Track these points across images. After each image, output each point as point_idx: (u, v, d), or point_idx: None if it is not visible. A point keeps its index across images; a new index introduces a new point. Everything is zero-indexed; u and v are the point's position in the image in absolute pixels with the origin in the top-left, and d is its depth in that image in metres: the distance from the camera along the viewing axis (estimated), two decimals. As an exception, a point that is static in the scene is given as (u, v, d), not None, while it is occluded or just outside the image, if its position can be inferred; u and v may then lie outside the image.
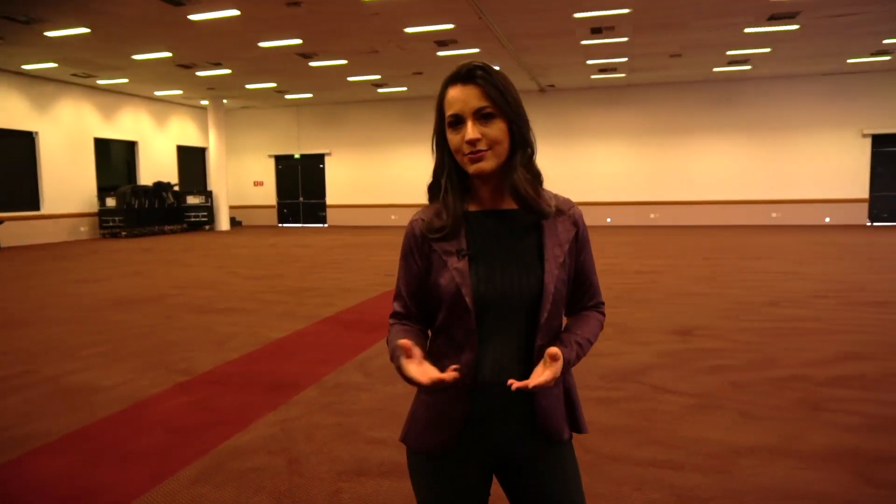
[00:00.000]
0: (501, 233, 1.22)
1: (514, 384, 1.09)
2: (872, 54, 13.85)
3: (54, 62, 13.21)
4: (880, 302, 6.21)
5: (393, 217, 19.85)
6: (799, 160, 16.72)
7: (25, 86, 14.48)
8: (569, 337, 1.23)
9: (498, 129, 1.17)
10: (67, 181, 15.57)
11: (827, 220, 16.67)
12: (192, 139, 20.29)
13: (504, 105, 1.16)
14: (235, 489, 2.61)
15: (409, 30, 11.09)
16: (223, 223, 18.85)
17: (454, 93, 1.18)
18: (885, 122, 16.10)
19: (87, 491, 2.62)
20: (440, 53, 12.94)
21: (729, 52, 13.51)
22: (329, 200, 20.65)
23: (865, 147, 16.37)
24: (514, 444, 1.23)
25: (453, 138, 1.19)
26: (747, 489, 2.52)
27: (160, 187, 17.63)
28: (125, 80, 15.40)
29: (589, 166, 17.84)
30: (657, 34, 11.78)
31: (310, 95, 18.55)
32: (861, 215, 16.54)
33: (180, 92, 17.39)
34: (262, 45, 11.93)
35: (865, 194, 16.51)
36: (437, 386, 1.07)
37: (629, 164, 17.79)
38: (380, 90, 17.60)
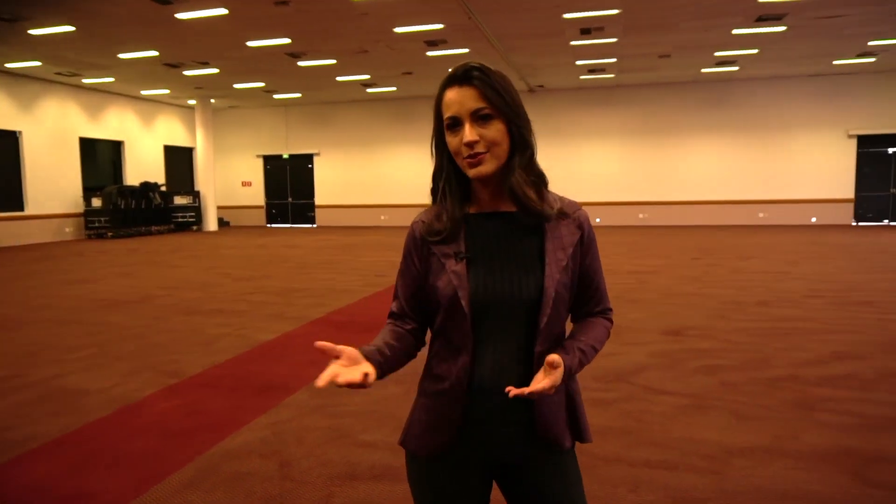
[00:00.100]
0: (501, 235, 1.20)
1: (512, 391, 1.06)
2: (858, 56, 14.00)
3: (38, 61, 13.03)
4: (869, 301, 6.26)
5: (383, 217, 19.80)
6: (786, 160, 16.87)
7: (9, 85, 14.29)
8: (572, 343, 1.20)
9: (496, 131, 1.14)
10: (52, 181, 15.38)
11: (813, 220, 16.83)
12: (180, 139, 20.12)
13: (502, 106, 1.14)
14: (226, 494, 2.56)
15: (398, 29, 11.05)
16: (211, 224, 18.71)
17: (451, 95, 1.16)
18: (871, 123, 16.28)
19: (75, 496, 2.57)
20: (430, 53, 12.92)
21: (717, 53, 13.59)
22: (318, 201, 20.55)
23: (851, 148, 16.55)
24: (514, 449, 1.21)
25: (452, 141, 1.17)
26: (742, 490, 2.51)
27: (147, 187, 17.46)
28: (111, 80, 15.23)
29: (578, 167, 17.88)
30: (646, 35, 11.82)
31: (298, 95, 18.45)
32: (847, 215, 16.72)
33: (167, 91, 17.24)
34: (251, 44, 11.84)
35: (851, 194, 16.68)
36: (340, 385, 1.04)
37: (618, 164, 17.86)
38: (369, 90, 17.54)
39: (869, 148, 16.54)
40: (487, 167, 1.15)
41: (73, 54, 12.49)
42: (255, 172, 21.02)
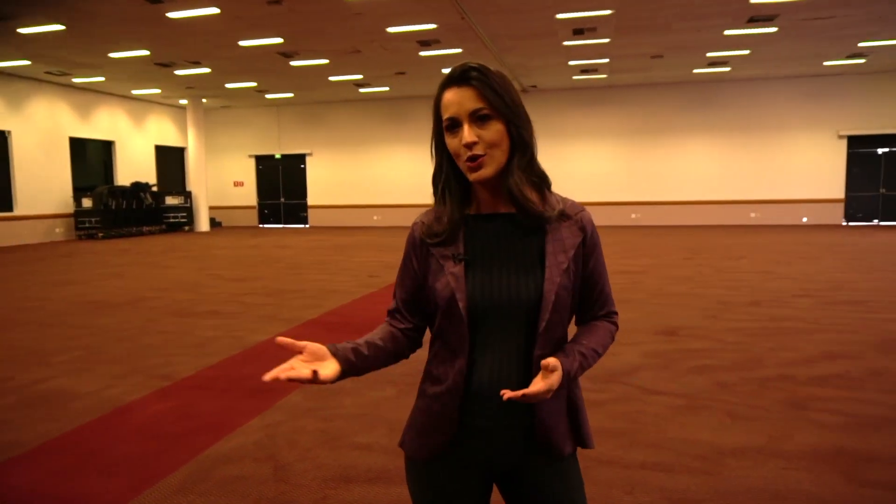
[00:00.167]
0: (501, 237, 1.19)
1: (506, 394, 1.05)
2: (848, 57, 14.10)
3: (28, 60, 12.92)
4: (858, 301, 6.30)
5: (375, 218, 19.77)
6: (777, 161, 16.97)
7: (-2, 84, 14.18)
8: (572, 347, 1.19)
9: (495, 131, 1.13)
10: (42, 181, 15.25)
11: (804, 219, 16.94)
12: (171, 139, 20.01)
13: (501, 106, 1.12)
14: (220, 498, 2.54)
15: (391, 29, 11.03)
16: (203, 224, 18.62)
17: (449, 96, 1.15)
18: (860, 124, 16.41)
19: (65, 502, 2.54)
20: (423, 53, 12.90)
21: (709, 54, 13.66)
22: (310, 201, 20.49)
23: (841, 148, 16.67)
24: (512, 454, 1.20)
25: (451, 142, 1.16)
26: (737, 490, 2.52)
27: (138, 188, 17.36)
28: (101, 79, 15.13)
29: (570, 167, 17.91)
30: (638, 35, 11.86)
31: (291, 95, 18.39)
32: (837, 215, 16.84)
33: (158, 91, 17.14)
34: (243, 43, 11.79)
35: (841, 194, 16.81)
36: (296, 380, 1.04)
37: (610, 164, 17.91)
38: (362, 90, 17.51)
39: (859, 148, 16.67)
40: (488, 171, 1.14)
41: (63, 53, 12.39)
42: (247, 172, 20.93)
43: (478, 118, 1.12)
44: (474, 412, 1.18)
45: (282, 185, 20.80)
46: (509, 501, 1.26)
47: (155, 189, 18.39)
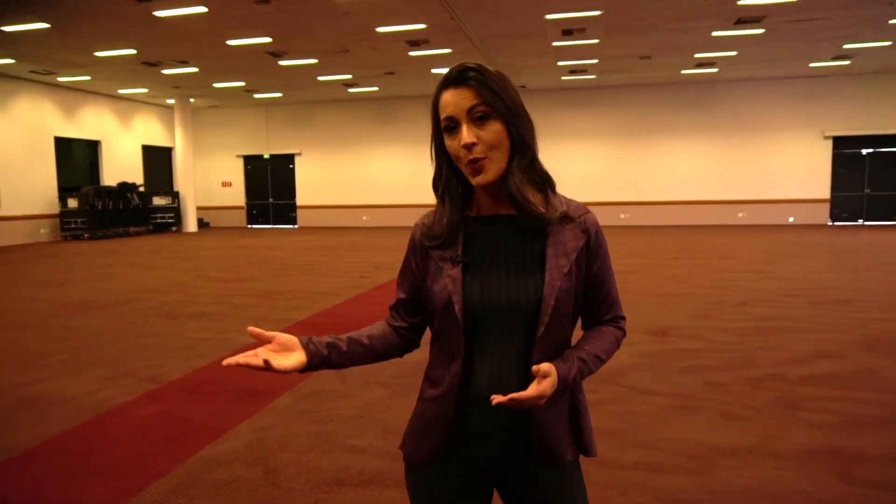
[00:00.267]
0: (501, 240, 1.17)
1: (495, 398, 1.04)
2: (833, 59, 14.25)
3: (11, 58, 12.75)
4: (846, 300, 6.35)
5: (364, 218, 19.71)
6: (764, 161, 17.12)
7: (-19, 83, 13.99)
8: (572, 352, 1.16)
9: (494, 132, 1.11)
10: (26, 181, 15.05)
11: (791, 219, 17.10)
12: (158, 139, 19.83)
13: (500, 106, 1.10)
14: (211, 502, 2.51)
15: (380, 29, 11.00)
16: (190, 225, 18.48)
17: (447, 97, 1.13)
18: (845, 125, 16.59)
19: (51, 509, 2.50)
20: (412, 53, 12.88)
21: (697, 55, 13.74)
22: (299, 201, 20.40)
23: (827, 149, 16.85)
24: (511, 459, 1.18)
25: (451, 144, 1.14)
26: (730, 490, 2.52)
27: (125, 188, 17.18)
28: (87, 78, 14.96)
29: (559, 167, 17.53)
30: (627, 36, 11.91)
31: (279, 95, 18.29)
32: (823, 215, 17.01)
33: (145, 90, 16.98)
34: (231, 42, 11.71)
35: (827, 195, 16.98)
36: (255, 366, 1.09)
37: (599, 164, 17.97)
38: (351, 90, 17.44)
39: (844, 149, 16.86)
40: (489, 174, 1.12)
41: (48, 52, 12.24)
42: (236, 173, 20.80)
43: (476, 118, 1.10)
44: (471, 416, 1.17)
45: (270, 185, 20.69)
46: None
47: (142, 189, 18.22)
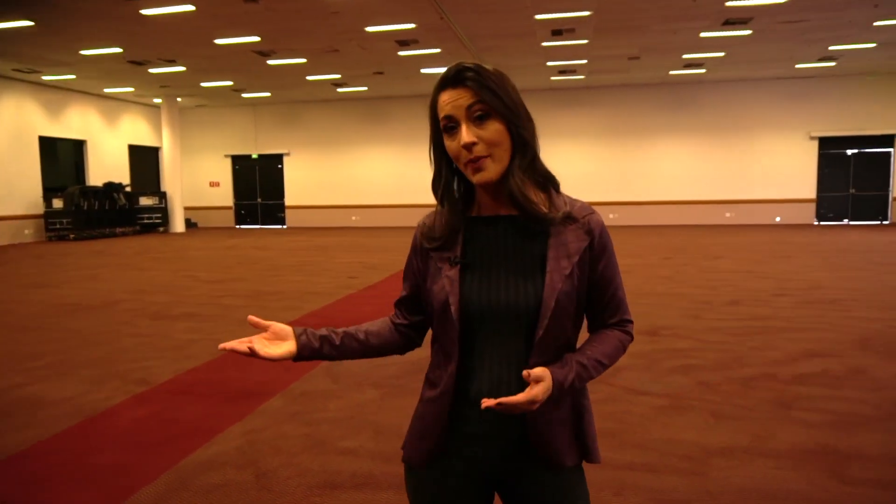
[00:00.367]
0: (501, 241, 1.15)
1: (484, 402, 1.02)
2: (819, 60, 14.38)
3: (-5, 57, 12.59)
4: (834, 299, 6.40)
5: (354, 218, 19.64)
6: (751, 161, 17.25)
7: (-37, 81, 13.78)
8: (571, 357, 1.13)
9: (494, 131, 1.09)
10: (10, 181, 14.84)
11: (777, 219, 17.24)
12: (145, 138, 19.65)
13: (499, 105, 1.08)
14: (201, 507, 2.47)
15: (370, 29, 10.96)
16: (178, 225, 18.33)
17: (445, 97, 1.10)
18: (831, 126, 16.76)
19: (38, 515, 2.45)
20: (401, 53, 12.84)
21: (685, 56, 13.82)
22: (288, 201, 20.29)
23: (813, 149, 17.01)
24: (510, 463, 1.17)
25: (450, 145, 1.12)
26: (724, 490, 2.52)
27: (111, 188, 17.00)
28: (72, 77, 14.78)
29: (548, 167, 17.96)
30: (616, 37, 11.95)
31: (268, 94, 18.19)
32: (809, 215, 17.17)
33: (132, 89, 16.81)
34: (219, 41, 11.61)
35: (813, 195, 17.15)
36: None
37: (588, 164, 18.02)
38: (340, 90, 17.37)
39: (829, 149, 17.03)
40: (490, 172, 1.10)
41: (32, 50, 12.08)
42: (224, 173, 20.65)
43: (476, 118, 1.08)
44: (469, 418, 1.15)
45: (259, 185, 20.57)
46: None
47: (128, 189, 18.04)
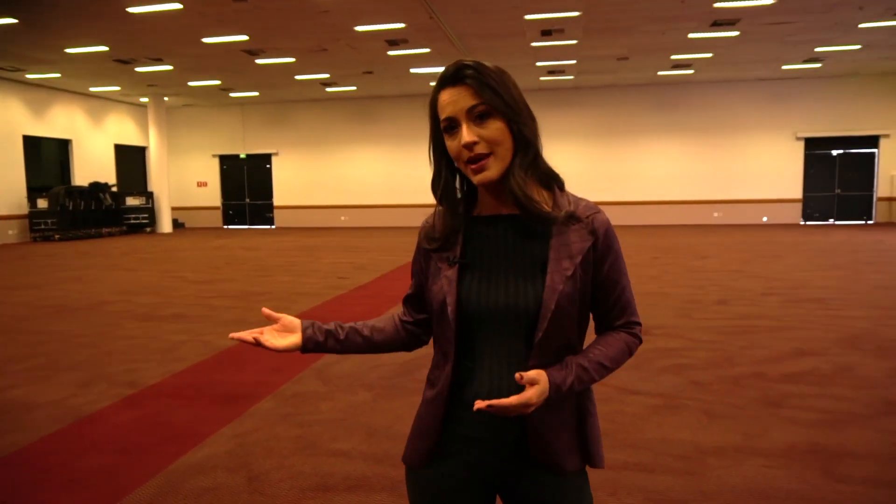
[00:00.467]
0: (502, 241, 1.13)
1: (477, 404, 1.00)
2: (805, 61, 14.52)
3: (-22, 55, 12.40)
4: (821, 298, 6.46)
5: (343, 218, 19.57)
6: (738, 162, 17.39)
7: (-55, 79, 13.57)
8: (572, 359, 1.11)
9: (495, 129, 1.07)
10: (-6, 181, 14.66)
11: (764, 219, 17.39)
12: (132, 138, 19.46)
13: (499, 104, 1.07)
14: (192, 511, 2.44)
15: (359, 28, 10.92)
16: (165, 225, 18.17)
17: (445, 96, 1.09)
18: (816, 126, 16.93)
19: (25, 520, 2.40)
20: (391, 53, 12.81)
21: (673, 57, 13.89)
22: (277, 202, 20.18)
23: (799, 150, 17.17)
24: (509, 466, 1.15)
25: (451, 145, 1.10)
26: (718, 490, 2.53)
27: (97, 188, 16.81)
28: (57, 75, 14.61)
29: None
30: (605, 37, 11.99)
31: (256, 94, 18.07)
32: (795, 214, 17.34)
33: (118, 88, 16.64)
34: (206, 40, 11.52)
35: (799, 195, 17.31)
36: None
37: (576, 165, 18.06)
38: (329, 89, 17.30)
39: (815, 150, 17.20)
40: (492, 171, 1.08)
41: (16, 48, 11.91)
42: (211, 173, 20.51)
43: (476, 117, 1.07)
44: (466, 419, 1.14)
45: (247, 185, 20.44)
46: None
47: (115, 189, 17.86)
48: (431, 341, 1.27)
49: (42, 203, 15.33)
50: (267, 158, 20.13)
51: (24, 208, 15.41)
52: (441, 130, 1.11)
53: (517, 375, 1.02)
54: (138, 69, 14.03)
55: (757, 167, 17.29)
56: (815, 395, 3.60)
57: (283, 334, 1.20)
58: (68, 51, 12.11)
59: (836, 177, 17.23)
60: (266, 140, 19.97)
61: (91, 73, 14.51)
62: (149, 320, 6.00)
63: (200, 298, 7.14)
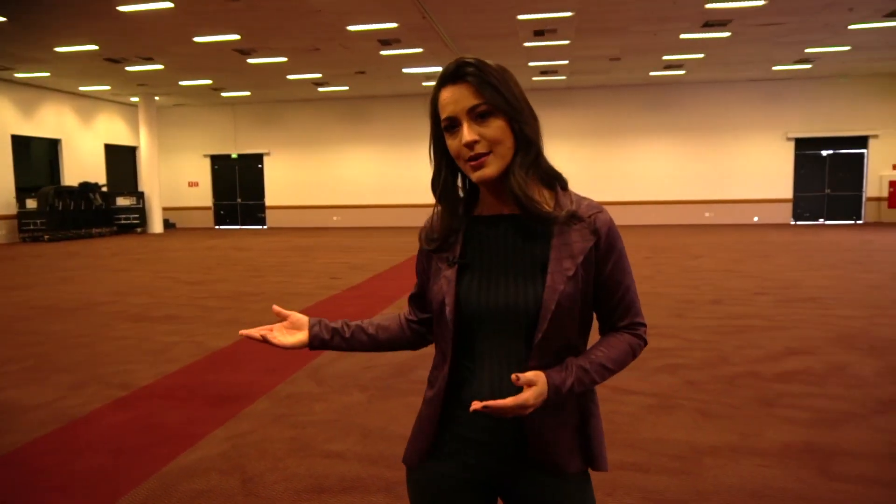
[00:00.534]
0: (503, 241, 1.12)
1: (474, 405, 1.00)
2: (795, 62, 14.61)
3: (-34, 53, 12.27)
4: (813, 298, 6.50)
5: (335, 218, 19.52)
6: (729, 162, 17.47)
7: (-67, 78, 13.42)
8: (573, 360, 1.10)
9: (497, 128, 1.06)
10: (-18, 181, 14.50)
11: (755, 219, 17.48)
12: (122, 137, 19.32)
13: (501, 102, 1.06)
14: (186, 514, 2.42)
15: (351, 28, 10.88)
16: (156, 225, 18.06)
17: (446, 94, 1.07)
18: (807, 127, 17.04)
19: (16, 524, 2.37)
20: (383, 53, 12.78)
21: (665, 57, 13.94)
22: (268, 202, 20.10)
23: (789, 150, 17.28)
24: (508, 467, 1.14)
25: (452, 144, 1.09)
26: (714, 489, 2.53)
27: (87, 188, 16.68)
28: (47, 74, 14.48)
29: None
30: (598, 38, 12.01)
31: (247, 93, 17.99)
32: (786, 214, 17.44)
33: (108, 88, 16.51)
34: (198, 39, 11.45)
35: (790, 195, 17.42)
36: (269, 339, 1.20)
37: (568, 165, 17.78)
38: (321, 89, 17.24)
39: (805, 150, 17.31)
40: (491, 169, 1.07)
41: (5, 47, 11.79)
42: (203, 173, 20.39)
43: (477, 116, 1.06)
44: (465, 421, 1.13)
45: (238, 185, 20.34)
46: None
47: (105, 189, 17.72)
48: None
49: (31, 203, 15.19)
50: (259, 158, 20.05)
51: (12, 208, 15.27)
52: (442, 129, 1.10)
53: (513, 377, 1.01)
54: (129, 68, 13.93)
55: (748, 167, 17.38)
56: (810, 395, 3.61)
57: (291, 331, 1.23)
58: (58, 50, 12.00)
59: (825, 177, 17.36)
60: (258, 140, 19.88)
61: (81, 73, 14.39)
62: (141, 321, 5.95)
63: (193, 299, 7.10)
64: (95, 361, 4.58)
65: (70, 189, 16.20)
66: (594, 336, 1.19)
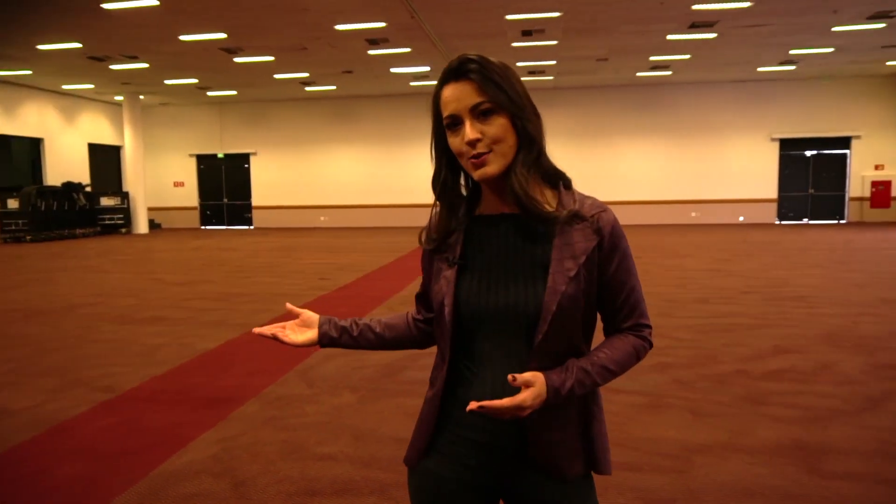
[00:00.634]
0: (503, 241, 1.11)
1: (470, 405, 0.99)
2: (780, 63, 14.77)
3: (-55, 51, 12.06)
4: (799, 296, 6.56)
5: (322, 219, 19.43)
6: (715, 162, 17.63)
7: (-89, 76, 13.17)
8: (574, 362, 1.08)
9: (499, 126, 1.05)
10: (-38, 181, 14.27)
11: (741, 218, 17.65)
12: (106, 137, 19.09)
13: (503, 99, 1.04)
14: (175, 519, 2.38)
15: (339, 27, 10.84)
16: (141, 226, 17.87)
17: (448, 92, 1.06)
18: (791, 128, 17.24)
19: (0, 531, 2.33)
20: (371, 52, 12.74)
21: (652, 58, 14.03)
22: (255, 202, 19.97)
23: (774, 150, 17.47)
24: (508, 469, 1.13)
25: (454, 141, 1.08)
26: (707, 488, 2.54)
27: (70, 188, 16.46)
28: (28, 72, 14.28)
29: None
30: (585, 38, 12.06)
31: (234, 93, 17.86)
32: (771, 214, 17.63)
33: (91, 86, 16.31)
34: (183, 38, 11.34)
35: (774, 195, 17.61)
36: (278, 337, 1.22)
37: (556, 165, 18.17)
38: (308, 88, 17.16)
39: (790, 151, 17.51)
40: (492, 167, 1.06)
41: (-14, 45, 11.62)
42: (188, 172, 20.21)
43: (479, 113, 1.04)
44: (464, 421, 1.12)
45: (225, 185, 20.19)
46: None
47: (89, 189, 17.50)
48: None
49: (13, 203, 14.96)
50: (245, 158, 19.91)
51: (-7, 209, 15.05)
52: (443, 127, 1.09)
53: (510, 377, 1.00)
54: (113, 67, 13.77)
55: (733, 168, 17.54)
56: (798, 392, 3.64)
57: (301, 329, 1.24)
58: (40, 47, 11.83)
59: (809, 177, 17.56)
60: (244, 140, 19.74)
61: (64, 71, 14.20)
62: (126, 323, 5.88)
63: (179, 300, 7.02)
64: (79, 364, 4.51)
65: (53, 189, 15.98)
66: (598, 337, 1.18)
